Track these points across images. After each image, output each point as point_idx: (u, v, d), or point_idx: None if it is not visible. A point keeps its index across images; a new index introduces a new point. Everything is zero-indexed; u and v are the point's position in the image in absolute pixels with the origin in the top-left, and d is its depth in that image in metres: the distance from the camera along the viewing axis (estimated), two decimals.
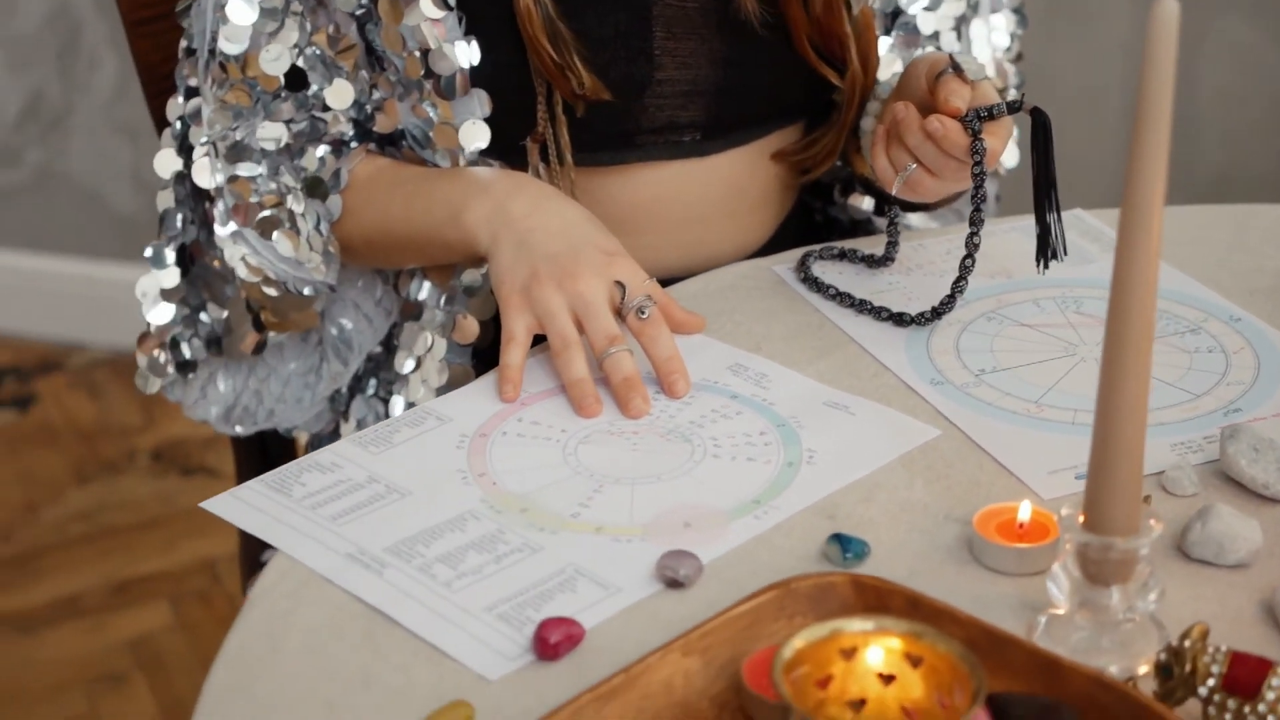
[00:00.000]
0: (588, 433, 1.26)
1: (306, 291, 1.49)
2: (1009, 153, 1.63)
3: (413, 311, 1.49)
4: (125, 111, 2.91)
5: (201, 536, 2.58)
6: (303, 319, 1.51)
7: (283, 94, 1.43)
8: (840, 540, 1.13)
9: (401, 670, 1.05)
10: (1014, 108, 1.36)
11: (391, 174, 1.45)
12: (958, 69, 1.37)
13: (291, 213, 1.45)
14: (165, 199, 1.53)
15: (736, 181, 1.52)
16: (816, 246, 1.48)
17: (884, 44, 1.53)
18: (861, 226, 1.63)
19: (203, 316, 1.55)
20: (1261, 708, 0.96)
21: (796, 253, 1.48)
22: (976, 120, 1.35)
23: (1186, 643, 0.98)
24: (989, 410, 1.28)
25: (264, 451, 1.70)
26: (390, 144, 1.48)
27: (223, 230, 1.46)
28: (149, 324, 1.54)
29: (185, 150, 1.50)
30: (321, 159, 1.45)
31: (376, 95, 1.45)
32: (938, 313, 1.37)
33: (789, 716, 0.92)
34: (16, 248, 3.05)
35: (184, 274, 1.53)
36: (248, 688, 1.05)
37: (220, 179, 1.46)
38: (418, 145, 1.45)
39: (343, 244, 1.46)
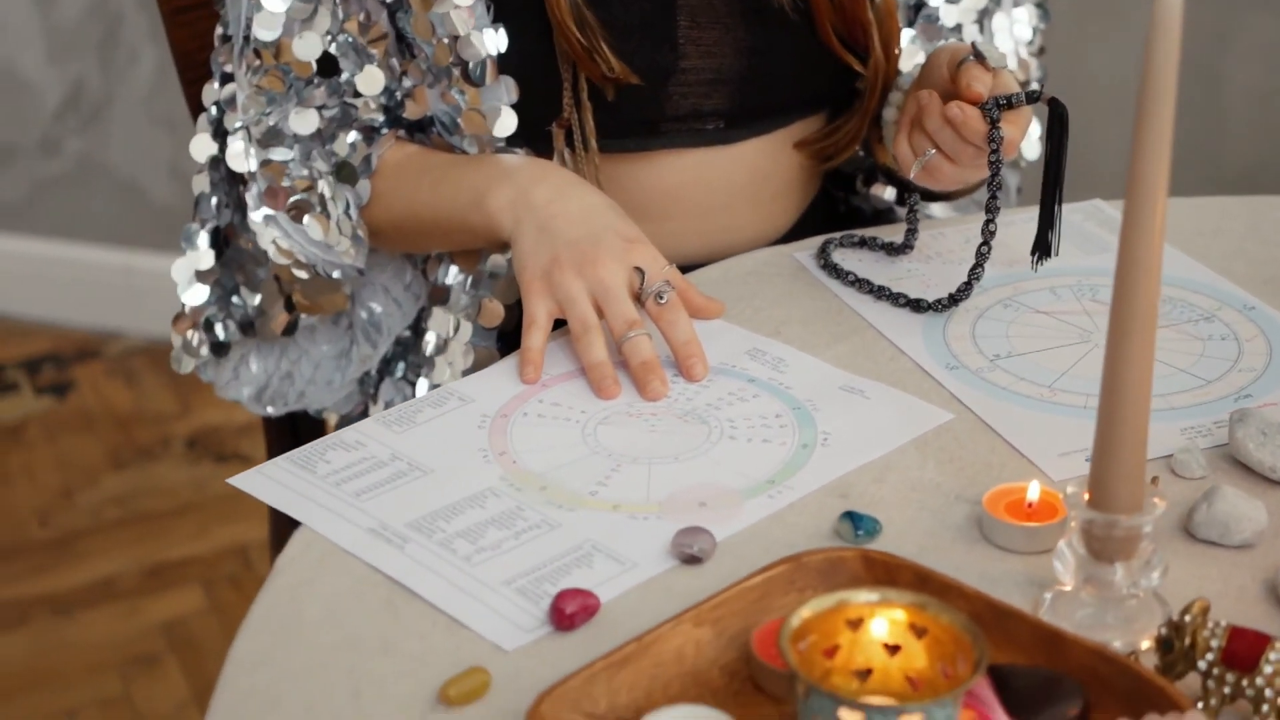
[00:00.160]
0: (606, 414, 1.28)
1: (335, 275, 1.51)
2: (1030, 145, 1.64)
3: (440, 296, 1.50)
4: (164, 103, 2.93)
5: (234, 522, 2.61)
6: (332, 301, 1.53)
7: (315, 80, 1.45)
8: (852, 518, 1.15)
9: (420, 638, 1.07)
10: (1033, 98, 1.37)
11: (420, 160, 1.47)
12: (980, 56, 1.39)
13: (322, 197, 1.46)
14: (200, 182, 1.55)
15: (760, 170, 1.53)
16: (837, 234, 1.49)
17: (906, 36, 1.54)
18: (884, 216, 1.64)
19: (235, 300, 1.57)
20: (1259, 681, 0.97)
21: (817, 240, 1.49)
22: (995, 108, 1.36)
23: (1187, 617, 0.99)
24: (1003, 394, 1.29)
25: (295, 437, 1.71)
26: (420, 130, 1.49)
27: (256, 214, 1.48)
28: (184, 304, 1.56)
29: (220, 135, 1.52)
30: (352, 145, 1.47)
31: (406, 82, 1.47)
32: (955, 299, 1.39)
33: (796, 685, 0.94)
34: (56, 237, 3.08)
35: (218, 256, 1.55)
36: (271, 654, 1.07)
37: (254, 163, 1.48)
38: (446, 132, 1.47)
39: (372, 229, 1.48)
